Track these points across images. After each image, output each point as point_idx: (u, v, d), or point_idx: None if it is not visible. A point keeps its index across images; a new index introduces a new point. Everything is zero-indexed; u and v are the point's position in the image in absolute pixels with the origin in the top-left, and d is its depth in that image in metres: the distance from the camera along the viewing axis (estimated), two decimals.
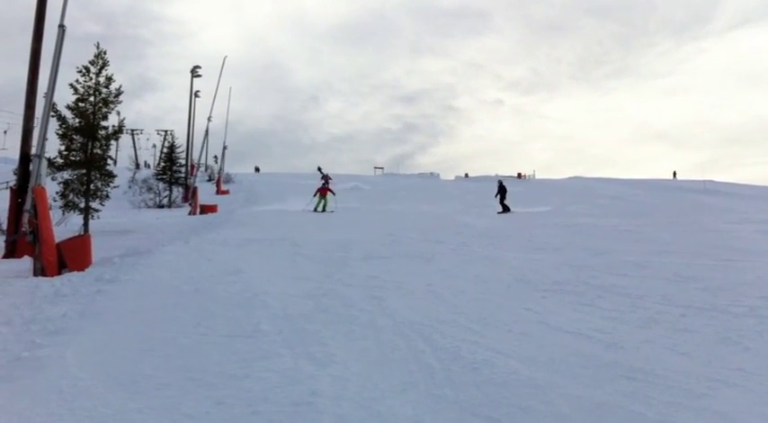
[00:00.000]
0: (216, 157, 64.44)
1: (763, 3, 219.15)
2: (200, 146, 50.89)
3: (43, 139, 13.43)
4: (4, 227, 16.13)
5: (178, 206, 39.25)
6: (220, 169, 56.76)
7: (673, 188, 50.53)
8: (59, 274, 11.64)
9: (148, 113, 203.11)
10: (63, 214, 20.90)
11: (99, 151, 21.11)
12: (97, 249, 13.03)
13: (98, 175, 21.11)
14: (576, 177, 68.83)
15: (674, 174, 73.46)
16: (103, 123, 21.24)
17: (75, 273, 11.39)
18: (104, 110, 21.11)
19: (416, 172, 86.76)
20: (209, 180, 58.68)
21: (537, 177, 79.78)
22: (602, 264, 11.94)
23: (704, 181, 52.86)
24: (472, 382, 5.46)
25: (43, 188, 12.91)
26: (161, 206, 38.52)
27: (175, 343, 6.80)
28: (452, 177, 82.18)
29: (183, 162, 45.39)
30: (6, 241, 14.62)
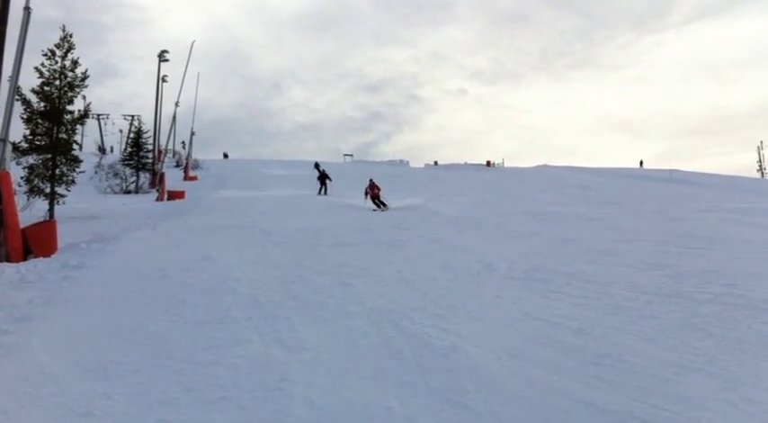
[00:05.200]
0: (183, 142, 63.82)
1: None
2: (167, 131, 50.40)
3: (8, 122, 13.21)
4: None
5: (145, 192, 38.85)
6: (188, 155, 56.25)
7: (639, 177, 51.06)
8: (25, 260, 11.49)
9: (110, 100, 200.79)
10: (28, 200, 20.58)
11: (64, 136, 20.84)
12: (63, 235, 12.88)
13: (63, 160, 20.83)
14: (543, 165, 69.22)
15: (641, 163, 74.17)
16: (69, 108, 20.97)
17: (41, 259, 11.26)
18: (70, 94, 20.82)
19: (386, 159, 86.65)
20: (177, 166, 58.12)
21: (506, 166, 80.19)
22: (570, 251, 12.04)
23: (670, 170, 53.48)
24: (441, 368, 5.49)
25: (8, 173, 12.72)
26: (128, 192, 38.12)
27: (144, 329, 6.75)
28: (422, 165, 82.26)
29: (150, 148, 44.89)
30: None
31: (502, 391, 4.97)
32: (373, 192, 28.19)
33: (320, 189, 35.41)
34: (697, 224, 16.74)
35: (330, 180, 35.76)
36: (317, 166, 48.91)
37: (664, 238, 13.80)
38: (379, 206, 27.28)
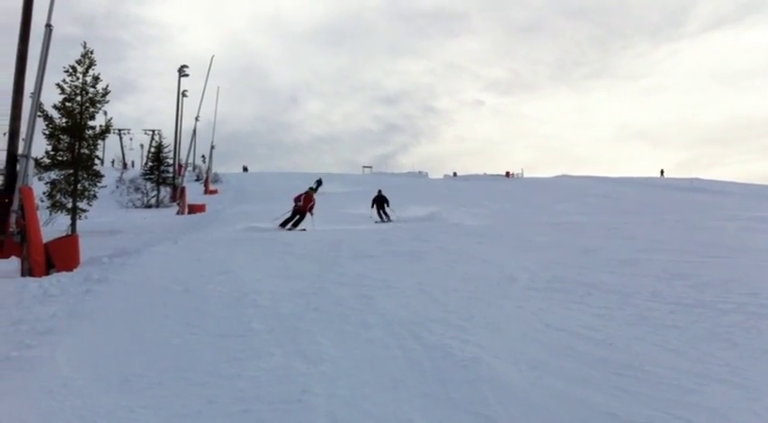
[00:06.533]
0: (204, 156, 64.29)
1: (734, 6, 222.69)
2: (187, 146, 50.77)
3: (30, 138, 13.37)
4: None
5: (166, 206, 39.21)
6: (208, 169, 56.62)
7: (660, 186, 50.79)
8: (47, 274, 11.60)
9: (129, 115, 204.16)
10: (50, 214, 20.83)
11: (86, 151, 21.07)
12: (85, 249, 12.98)
13: (85, 175, 21.08)
14: (563, 175, 68.99)
15: (662, 172, 73.77)
16: (90, 123, 21.21)
17: (64, 273, 11.35)
18: (91, 109, 21.08)
19: (404, 171, 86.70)
20: (197, 180, 58.54)
21: (525, 176, 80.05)
22: (591, 261, 11.97)
23: (691, 179, 53.14)
24: (462, 379, 5.47)
25: (30, 188, 12.86)
26: (149, 206, 38.47)
27: (166, 343, 6.79)
28: (441, 176, 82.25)
29: (171, 162, 45.25)
30: None
31: (524, 402, 4.94)
32: (305, 205, 22.50)
33: (380, 216, 27.31)
34: (719, 233, 16.60)
35: (388, 205, 27.69)
36: (319, 183, 44.82)
37: (685, 247, 13.69)
38: (286, 224, 21.89)
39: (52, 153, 20.61)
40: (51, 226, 20.05)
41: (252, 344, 6.69)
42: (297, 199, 22.87)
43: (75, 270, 11.69)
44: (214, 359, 6.16)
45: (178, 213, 33.45)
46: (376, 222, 25.96)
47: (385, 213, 27.37)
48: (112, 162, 74.71)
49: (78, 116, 20.72)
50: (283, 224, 22.03)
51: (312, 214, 22.47)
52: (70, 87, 20.81)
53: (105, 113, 22.66)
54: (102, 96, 21.34)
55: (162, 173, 42.44)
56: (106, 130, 22.53)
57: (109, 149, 78.20)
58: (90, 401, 5.03)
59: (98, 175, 21.69)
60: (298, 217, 22.44)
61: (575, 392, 5.11)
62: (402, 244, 15.19)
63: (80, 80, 20.94)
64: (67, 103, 20.73)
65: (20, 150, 13.78)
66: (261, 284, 10.01)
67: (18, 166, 13.48)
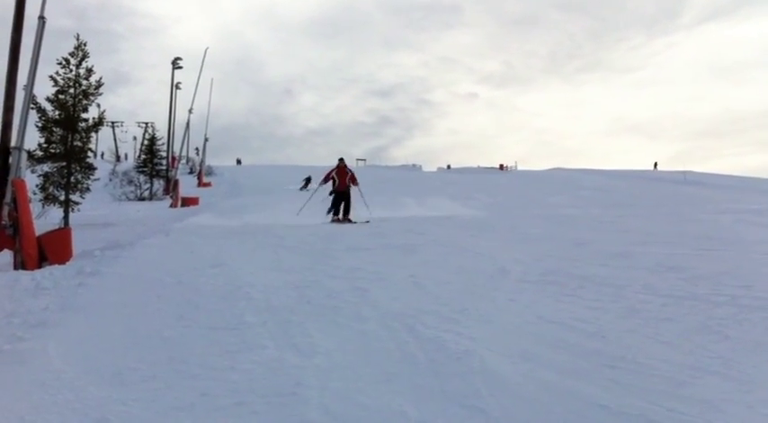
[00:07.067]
0: (197, 149, 64.07)
1: None
2: (180, 138, 50.63)
3: (23, 131, 13.31)
4: None
5: (159, 199, 39.12)
6: (202, 161, 56.43)
7: (654, 179, 50.87)
8: (40, 267, 11.56)
9: (123, 108, 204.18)
10: (43, 207, 20.77)
11: (79, 143, 21.03)
12: (78, 242, 12.94)
13: (78, 168, 21.03)
14: (557, 168, 69.02)
15: (655, 165, 73.94)
16: (84, 115, 21.16)
17: (56, 266, 11.32)
18: (84, 102, 21.03)
19: (398, 164, 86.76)
20: (191, 173, 58.40)
21: (519, 168, 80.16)
22: (584, 254, 11.98)
23: (684, 172, 53.18)
24: (455, 372, 5.47)
25: (23, 181, 12.81)
26: (142, 199, 38.36)
27: (159, 335, 6.78)
28: (435, 169, 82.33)
29: (164, 154, 45.14)
30: None
31: (516, 394, 4.95)
32: (342, 181, 19.71)
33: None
34: (712, 226, 16.64)
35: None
36: (307, 180, 42.17)
37: (678, 240, 13.73)
38: (335, 213, 19.62)
39: (45, 145, 20.56)
40: (44, 219, 20.00)
41: (245, 336, 6.69)
42: (327, 177, 20.42)
43: (67, 263, 11.66)
44: (207, 352, 6.16)
45: (171, 206, 33.38)
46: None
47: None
48: (102, 154, 74.53)
49: (71, 108, 20.68)
50: (334, 213, 20.09)
51: (357, 185, 20.17)
52: (63, 79, 20.76)
53: (99, 106, 22.53)
54: (95, 89, 21.30)
55: (155, 165, 42.39)
56: (99, 122, 22.46)
57: (102, 142, 78.16)
58: (82, 394, 5.02)
59: (91, 168, 21.66)
60: (343, 202, 20.08)
61: (567, 384, 5.13)
62: (395, 237, 15.19)
63: (73, 72, 20.90)
64: (61, 96, 20.68)
65: (12, 142, 13.72)
66: (254, 277, 10.00)
67: (11, 159, 13.43)
